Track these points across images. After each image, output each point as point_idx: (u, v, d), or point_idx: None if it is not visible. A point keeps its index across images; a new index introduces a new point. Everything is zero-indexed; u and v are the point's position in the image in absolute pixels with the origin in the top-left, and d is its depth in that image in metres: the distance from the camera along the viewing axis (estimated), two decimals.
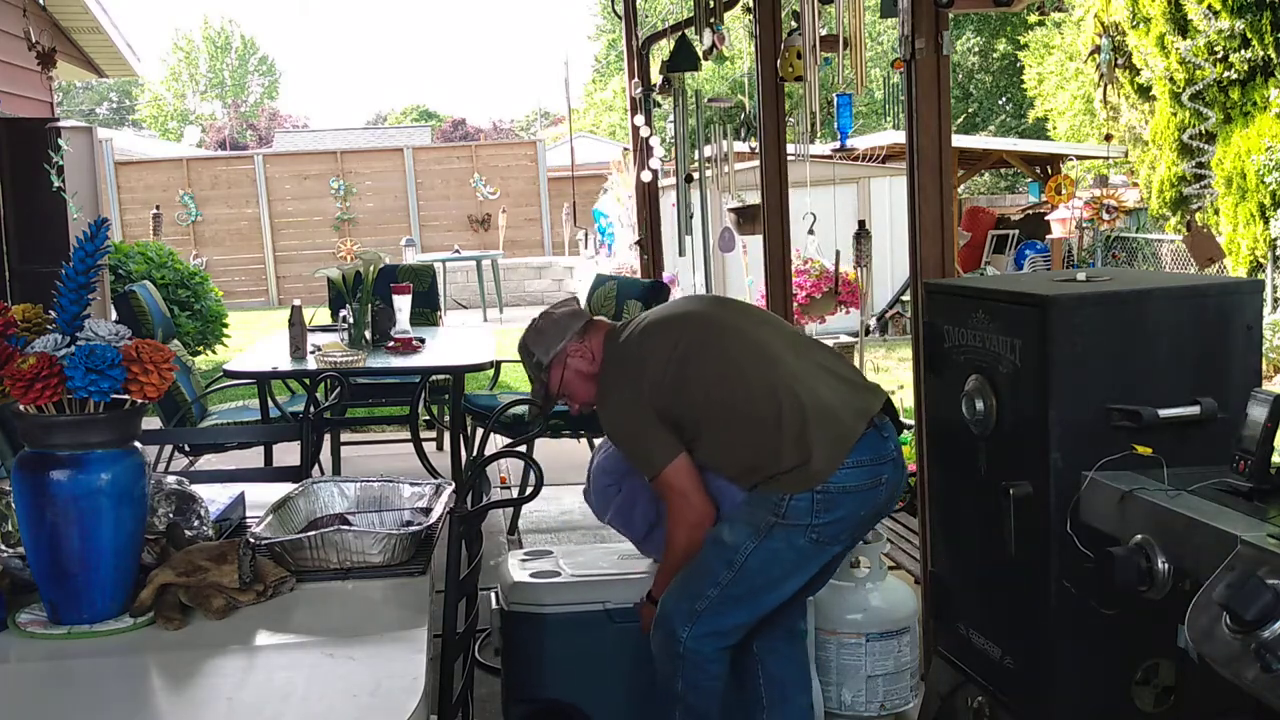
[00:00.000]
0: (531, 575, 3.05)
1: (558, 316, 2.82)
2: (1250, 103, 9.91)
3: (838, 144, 5.55)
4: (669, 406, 2.63)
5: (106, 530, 1.88)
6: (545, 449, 4.77)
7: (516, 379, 8.26)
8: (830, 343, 8.90)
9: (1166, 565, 1.88)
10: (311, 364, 4.92)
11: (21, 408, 1.88)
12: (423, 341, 5.38)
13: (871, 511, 2.67)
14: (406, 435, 5.66)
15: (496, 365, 5.48)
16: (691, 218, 6.00)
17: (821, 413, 2.58)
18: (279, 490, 2.46)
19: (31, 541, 1.90)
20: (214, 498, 2.43)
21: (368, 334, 5.31)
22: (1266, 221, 9.54)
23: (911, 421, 3.44)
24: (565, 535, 5.00)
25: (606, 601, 2.96)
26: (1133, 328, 2.26)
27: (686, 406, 2.63)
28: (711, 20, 5.02)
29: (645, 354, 2.69)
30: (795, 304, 7.92)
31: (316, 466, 3.51)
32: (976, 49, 25.79)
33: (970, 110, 26.18)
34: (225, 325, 10.63)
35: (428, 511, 2.35)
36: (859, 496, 2.59)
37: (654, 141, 6.53)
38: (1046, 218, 12.54)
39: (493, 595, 3.07)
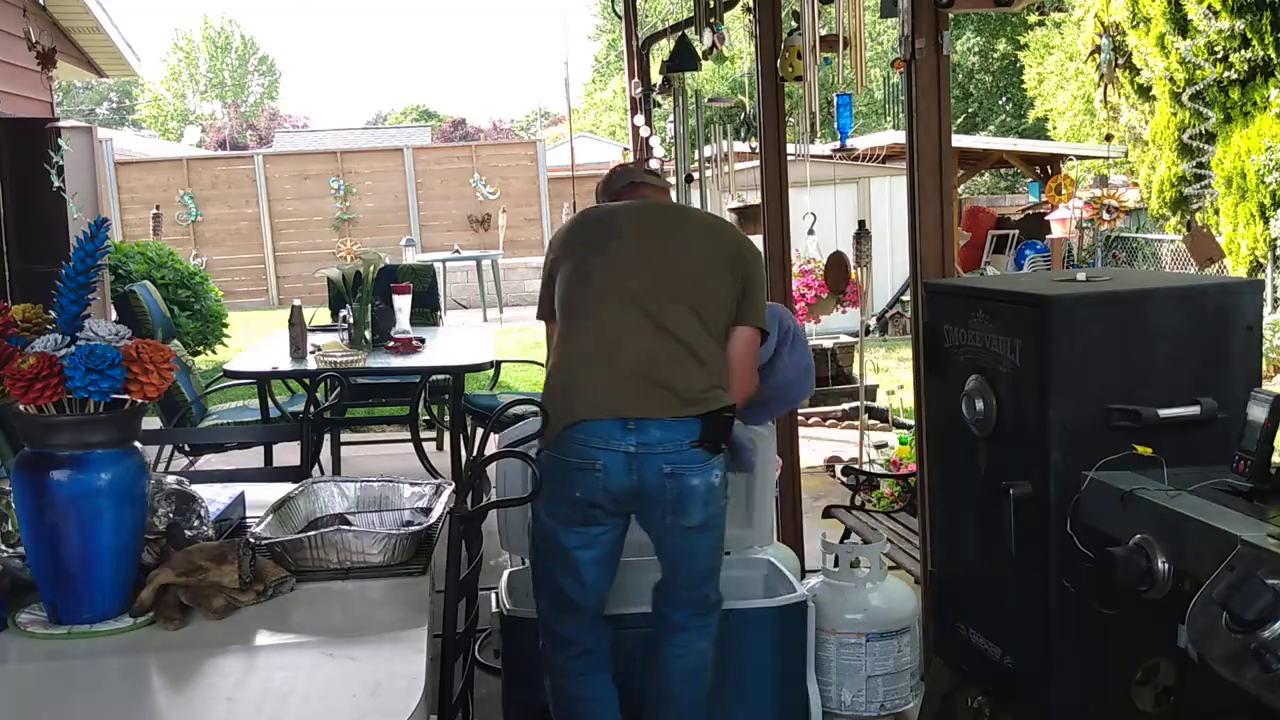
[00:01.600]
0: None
1: (609, 176, 3.07)
2: (1250, 103, 9.91)
3: (838, 144, 5.55)
4: (551, 275, 2.82)
5: (106, 530, 1.88)
6: None
7: (516, 379, 8.26)
8: (830, 343, 8.89)
9: (1166, 565, 1.88)
10: (311, 364, 4.93)
11: (21, 408, 1.88)
12: (423, 341, 5.38)
13: (594, 494, 2.61)
14: (406, 435, 5.66)
15: (496, 365, 5.48)
16: None
17: (579, 378, 2.65)
18: (279, 490, 2.47)
19: (31, 541, 1.90)
20: (214, 498, 2.44)
21: (368, 334, 5.32)
22: (1266, 221, 9.54)
23: (911, 421, 3.44)
24: None
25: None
26: (1133, 328, 2.26)
27: (556, 287, 2.79)
28: (711, 20, 5.02)
29: (575, 223, 2.89)
30: (805, 304, 7.96)
31: (316, 466, 3.50)
32: (976, 49, 25.78)
33: (970, 110, 26.18)
34: (225, 325, 10.65)
35: (428, 511, 2.35)
36: (576, 475, 2.61)
37: (654, 141, 6.53)
38: (1046, 218, 12.53)
39: (493, 597, 3.07)
